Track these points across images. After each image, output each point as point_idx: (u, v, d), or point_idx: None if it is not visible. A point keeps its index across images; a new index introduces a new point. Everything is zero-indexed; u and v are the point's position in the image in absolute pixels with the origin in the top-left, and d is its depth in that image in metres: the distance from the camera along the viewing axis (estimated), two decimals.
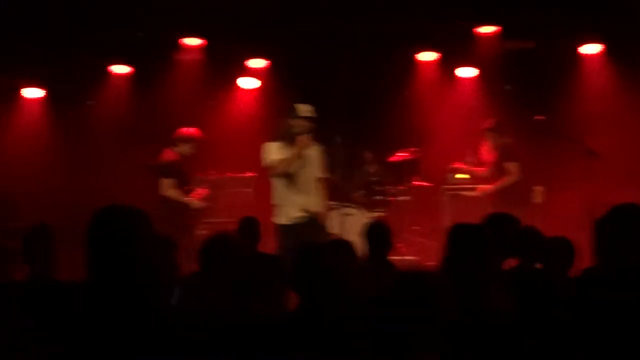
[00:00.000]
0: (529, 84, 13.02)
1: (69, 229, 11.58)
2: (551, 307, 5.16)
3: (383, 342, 3.61)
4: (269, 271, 5.38)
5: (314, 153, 9.74)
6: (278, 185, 9.63)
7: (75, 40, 12.45)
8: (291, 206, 9.55)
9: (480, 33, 12.86)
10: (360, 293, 4.52)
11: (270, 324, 4.33)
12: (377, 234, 7.04)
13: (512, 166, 11.18)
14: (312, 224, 9.54)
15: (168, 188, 11.10)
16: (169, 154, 11.25)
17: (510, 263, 6.28)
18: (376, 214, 12.53)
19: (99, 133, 13.31)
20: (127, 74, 13.47)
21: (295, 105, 9.67)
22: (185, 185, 11.28)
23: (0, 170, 12.87)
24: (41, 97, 13.58)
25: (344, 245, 6.18)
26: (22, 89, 13.50)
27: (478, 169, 11.90)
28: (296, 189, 9.57)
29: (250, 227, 8.19)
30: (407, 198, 12.88)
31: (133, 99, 13.42)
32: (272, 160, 9.49)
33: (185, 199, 11.17)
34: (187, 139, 11.29)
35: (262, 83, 13.61)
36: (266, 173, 9.75)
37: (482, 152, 11.63)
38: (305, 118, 9.55)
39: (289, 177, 9.56)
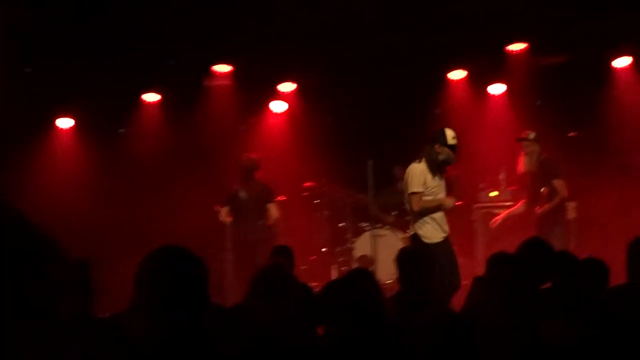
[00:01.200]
0: (562, 99, 12.91)
1: (105, 259, 11.84)
2: (587, 327, 5.15)
3: None
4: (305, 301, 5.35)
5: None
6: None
7: (107, 69, 12.56)
8: (440, 224, 9.63)
9: (510, 50, 12.82)
10: (397, 323, 4.52)
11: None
12: (411, 261, 6.90)
13: (560, 184, 10.96)
14: (449, 242, 9.71)
15: None
16: None
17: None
18: (409, 235, 12.47)
19: (131, 161, 13.36)
20: (158, 101, 13.54)
21: (442, 130, 9.70)
22: None
23: (36, 200, 12.95)
24: (74, 127, 13.64)
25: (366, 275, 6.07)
26: (56, 119, 13.59)
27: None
28: None
29: (285, 255, 8.08)
30: None
31: (165, 126, 13.49)
32: (419, 193, 9.56)
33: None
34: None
35: (290, 106, 13.63)
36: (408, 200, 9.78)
37: (520, 165, 11.43)
38: (452, 145, 9.59)
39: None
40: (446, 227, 9.72)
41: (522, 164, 11.16)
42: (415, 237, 9.68)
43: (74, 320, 5.56)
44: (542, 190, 10.88)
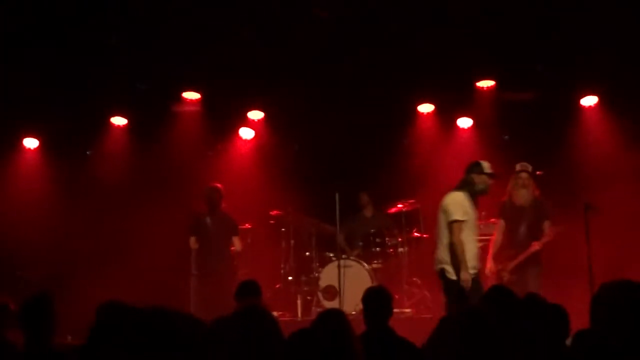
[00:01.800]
0: (528, 136, 13.03)
1: (67, 280, 11.78)
2: None
3: None
4: None
5: None
6: (469, 240, 9.70)
7: (76, 90, 12.53)
8: (473, 259, 9.64)
9: (479, 86, 12.96)
10: None
11: None
12: (377, 301, 6.91)
13: (550, 226, 10.84)
14: (479, 279, 9.76)
15: None
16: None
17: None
18: (374, 266, 12.51)
19: (97, 184, 13.31)
20: (126, 125, 13.50)
21: (478, 162, 9.85)
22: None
23: (1, 220, 12.84)
24: (40, 147, 13.56)
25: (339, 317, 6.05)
26: (23, 139, 13.50)
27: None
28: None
29: (254, 292, 7.91)
30: (406, 249, 12.84)
31: (132, 150, 13.46)
32: (461, 222, 9.55)
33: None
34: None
35: (257, 134, 13.66)
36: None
37: (517, 197, 11.03)
38: (489, 175, 9.67)
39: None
40: (476, 263, 9.73)
41: (518, 196, 10.89)
42: (442, 273, 9.68)
43: (28, 349, 5.55)
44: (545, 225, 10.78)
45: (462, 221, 9.56)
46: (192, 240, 12.07)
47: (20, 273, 12.22)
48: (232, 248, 12.19)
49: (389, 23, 11.77)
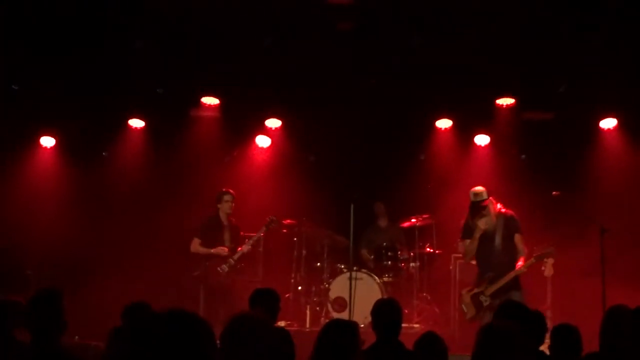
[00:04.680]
0: (546, 156, 12.98)
1: (80, 280, 11.78)
2: None
3: None
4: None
5: None
6: None
7: (95, 91, 12.54)
8: None
9: (498, 104, 12.91)
10: None
11: None
12: (388, 312, 6.85)
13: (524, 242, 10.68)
14: None
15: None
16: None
17: None
18: (385, 280, 12.47)
19: (112, 185, 13.31)
20: (143, 127, 13.51)
21: None
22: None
23: (14, 217, 12.85)
24: (57, 146, 13.57)
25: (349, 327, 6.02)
26: (40, 137, 13.52)
27: None
28: None
29: (270, 297, 7.70)
30: (418, 264, 12.80)
31: (149, 152, 13.46)
32: None
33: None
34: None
35: (273, 142, 13.65)
36: None
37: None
38: None
39: None
40: None
41: (481, 223, 10.55)
42: None
43: (35, 348, 5.52)
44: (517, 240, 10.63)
45: None
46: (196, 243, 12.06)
47: (30, 272, 12.23)
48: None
49: (409, 37, 11.74)
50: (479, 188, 10.64)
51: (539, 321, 6.44)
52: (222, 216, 12.10)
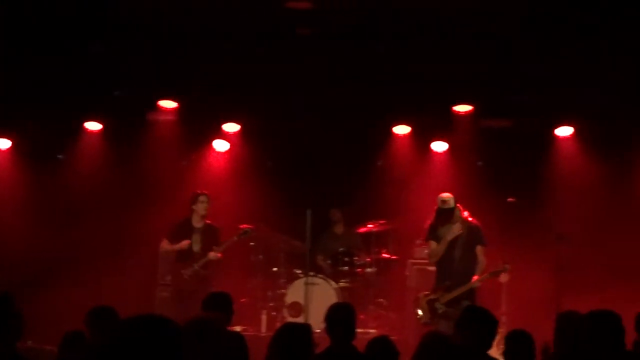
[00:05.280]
0: (502, 163, 13.06)
1: (34, 285, 11.65)
2: None
3: None
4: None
5: None
6: None
7: (52, 94, 12.41)
8: None
9: (456, 111, 12.98)
10: None
11: None
12: (341, 317, 6.84)
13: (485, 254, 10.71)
14: None
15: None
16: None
17: None
18: (342, 285, 12.47)
19: (68, 188, 13.17)
20: (101, 130, 13.39)
21: None
22: None
23: None
24: (13, 148, 13.41)
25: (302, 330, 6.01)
26: None
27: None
28: None
29: (223, 301, 7.75)
30: (374, 270, 12.82)
31: (105, 156, 13.34)
32: None
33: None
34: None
35: (232, 146, 13.60)
36: None
37: None
38: None
39: None
40: None
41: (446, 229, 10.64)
42: None
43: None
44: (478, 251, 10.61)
45: None
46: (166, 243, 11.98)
47: None
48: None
49: (368, 43, 11.77)
50: (447, 195, 10.62)
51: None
52: (195, 218, 11.91)
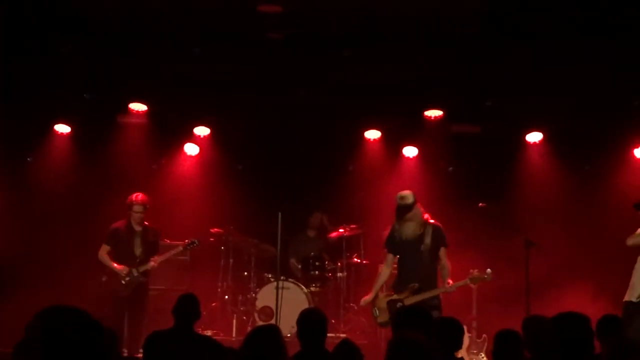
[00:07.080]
0: (473, 168, 13.13)
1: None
2: None
3: None
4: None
5: None
6: None
7: (20, 96, 12.32)
8: None
9: (427, 116, 13.03)
10: None
11: None
12: (312, 321, 6.83)
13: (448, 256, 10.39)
14: None
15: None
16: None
17: None
18: (312, 289, 12.47)
19: (37, 189, 13.07)
20: (70, 133, 13.29)
21: None
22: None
23: None
24: None
25: (272, 332, 6.00)
26: None
27: None
28: None
29: (191, 304, 7.59)
30: (345, 274, 12.82)
31: (75, 158, 13.25)
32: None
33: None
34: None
35: (202, 150, 13.55)
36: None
37: None
38: None
39: None
40: None
41: (405, 229, 10.14)
42: None
43: None
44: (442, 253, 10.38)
45: None
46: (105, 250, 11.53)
47: None
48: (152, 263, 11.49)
49: (340, 48, 11.78)
50: (406, 191, 10.21)
51: (451, 328, 6.53)
52: (134, 223, 11.46)
